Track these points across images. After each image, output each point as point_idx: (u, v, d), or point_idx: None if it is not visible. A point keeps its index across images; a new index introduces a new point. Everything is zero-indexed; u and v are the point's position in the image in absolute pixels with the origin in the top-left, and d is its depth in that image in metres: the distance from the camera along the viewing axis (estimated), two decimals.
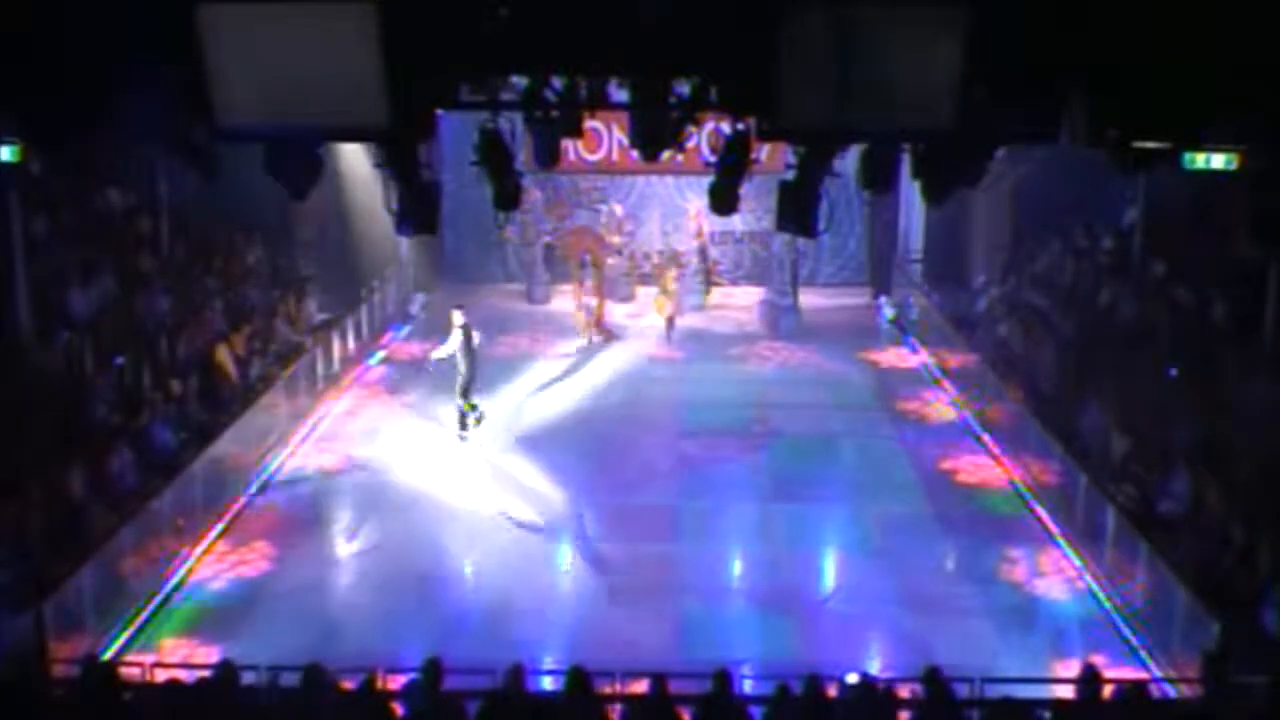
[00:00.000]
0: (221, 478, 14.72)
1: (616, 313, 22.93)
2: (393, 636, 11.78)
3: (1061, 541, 14.06)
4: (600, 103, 8.50)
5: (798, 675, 8.83)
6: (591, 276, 22.02)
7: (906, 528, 14.28)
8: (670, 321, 21.83)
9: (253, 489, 15.33)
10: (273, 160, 7.18)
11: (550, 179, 23.33)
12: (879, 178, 7.72)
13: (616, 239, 23.87)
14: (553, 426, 17.36)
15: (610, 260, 23.14)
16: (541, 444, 16.68)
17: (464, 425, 17.01)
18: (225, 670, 8.67)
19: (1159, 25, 6.13)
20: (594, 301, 21.88)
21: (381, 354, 21.12)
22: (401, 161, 8.02)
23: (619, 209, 24.46)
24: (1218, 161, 7.82)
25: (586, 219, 24.34)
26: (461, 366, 16.82)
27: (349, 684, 8.71)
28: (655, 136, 8.40)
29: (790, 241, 22.25)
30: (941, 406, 18.69)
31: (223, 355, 16.69)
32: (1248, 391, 13.52)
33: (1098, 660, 10.12)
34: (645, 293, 23.41)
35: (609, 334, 21.90)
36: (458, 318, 17.00)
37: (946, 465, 16.39)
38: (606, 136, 23.27)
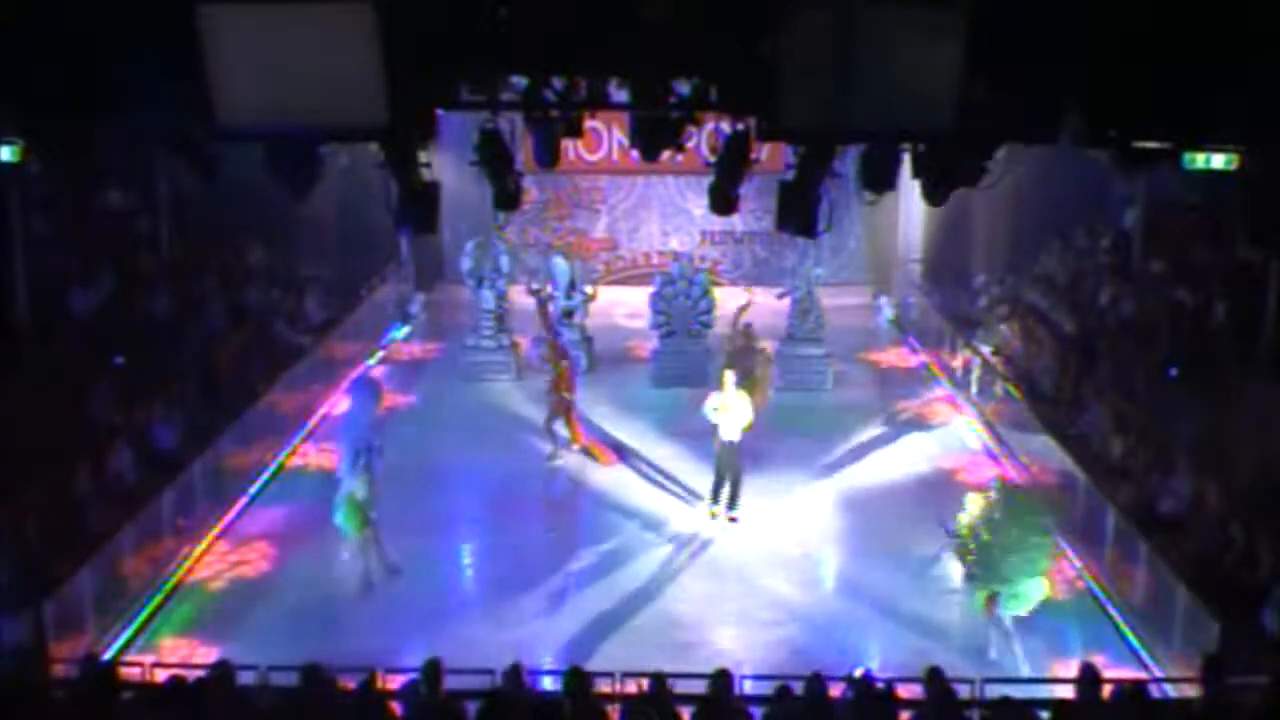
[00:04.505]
0: (221, 478, 14.72)
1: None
2: (393, 636, 11.78)
3: (1061, 541, 14.04)
4: (600, 103, 8.50)
5: (798, 675, 8.84)
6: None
7: (906, 528, 14.25)
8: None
9: (253, 488, 15.33)
10: (273, 160, 7.18)
11: (550, 178, 23.27)
12: (879, 178, 7.71)
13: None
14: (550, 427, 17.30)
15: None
16: (538, 444, 16.66)
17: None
18: (224, 670, 8.67)
19: (1158, 25, 6.14)
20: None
21: (381, 354, 21.12)
22: (401, 161, 8.03)
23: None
24: (1218, 161, 7.78)
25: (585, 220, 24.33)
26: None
27: (349, 684, 8.71)
28: (655, 136, 8.41)
29: (806, 299, 19.07)
30: (941, 406, 18.69)
31: (220, 357, 16.68)
32: (1247, 391, 13.52)
33: (1098, 660, 10.10)
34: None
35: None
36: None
37: (946, 465, 16.38)
38: (606, 136, 23.25)
